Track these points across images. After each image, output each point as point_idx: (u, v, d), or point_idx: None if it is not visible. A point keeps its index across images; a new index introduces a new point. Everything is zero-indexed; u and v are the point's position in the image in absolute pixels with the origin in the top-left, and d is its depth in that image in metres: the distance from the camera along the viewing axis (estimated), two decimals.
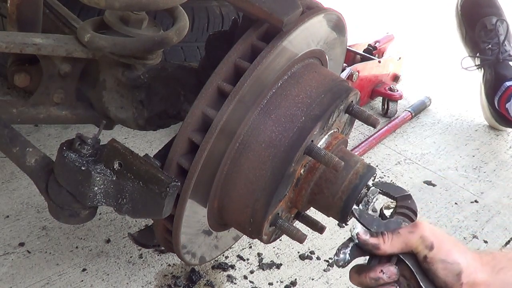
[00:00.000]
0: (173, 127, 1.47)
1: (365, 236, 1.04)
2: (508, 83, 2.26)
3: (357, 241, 1.05)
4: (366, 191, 1.18)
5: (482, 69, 2.39)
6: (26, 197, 1.67)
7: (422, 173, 2.07)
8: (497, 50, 2.33)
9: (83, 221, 1.17)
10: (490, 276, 1.02)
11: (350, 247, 1.06)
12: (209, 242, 1.33)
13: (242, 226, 1.23)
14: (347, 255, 1.06)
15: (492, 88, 2.32)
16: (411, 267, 1.03)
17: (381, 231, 1.05)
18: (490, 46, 2.35)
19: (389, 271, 1.03)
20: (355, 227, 1.05)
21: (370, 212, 1.17)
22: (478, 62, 2.40)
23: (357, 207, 1.15)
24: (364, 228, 1.06)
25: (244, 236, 1.51)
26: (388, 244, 1.03)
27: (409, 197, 1.14)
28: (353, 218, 1.14)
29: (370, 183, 1.20)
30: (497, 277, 1.02)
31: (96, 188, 1.07)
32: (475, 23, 2.42)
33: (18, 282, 1.43)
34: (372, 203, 1.18)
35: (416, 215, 1.12)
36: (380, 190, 1.17)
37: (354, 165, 1.20)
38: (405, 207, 1.12)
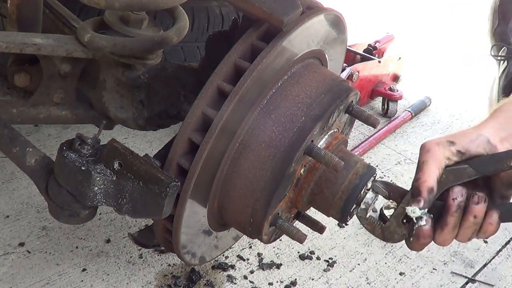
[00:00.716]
0: (173, 127, 1.47)
1: (420, 204, 1.00)
2: None
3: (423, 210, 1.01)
4: (366, 193, 1.18)
5: (506, 62, 2.39)
6: (26, 197, 1.67)
7: None
8: None
9: (83, 221, 1.17)
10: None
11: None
12: (209, 242, 1.33)
13: (242, 226, 1.23)
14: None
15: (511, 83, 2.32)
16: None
17: (414, 179, 1.02)
18: None
19: (455, 193, 1.01)
20: (408, 209, 1.02)
21: (370, 212, 1.17)
22: (503, 53, 2.40)
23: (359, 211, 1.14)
24: (411, 201, 1.02)
25: (244, 236, 1.51)
26: (429, 176, 1.00)
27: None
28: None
29: (369, 184, 1.19)
30: None
31: (96, 188, 1.07)
32: (510, 17, 2.43)
33: (18, 282, 1.43)
34: (372, 204, 1.17)
35: None
36: (380, 188, 1.15)
37: (354, 165, 1.20)
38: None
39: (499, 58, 2.40)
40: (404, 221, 1.07)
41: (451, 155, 1.02)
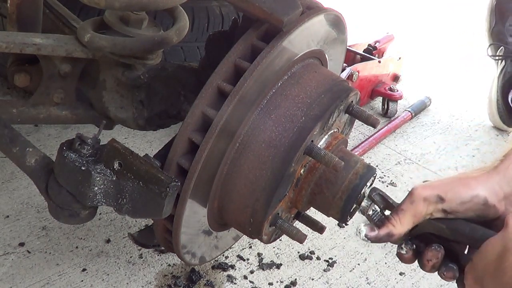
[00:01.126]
0: (173, 127, 1.47)
1: (374, 232, 1.00)
2: None
3: (369, 241, 1.02)
4: (363, 198, 1.17)
5: (503, 61, 2.39)
6: (26, 197, 1.67)
7: (422, 173, 2.07)
8: None
9: (83, 221, 1.17)
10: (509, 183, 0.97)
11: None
12: (209, 242, 1.33)
13: (242, 226, 1.23)
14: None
15: (509, 83, 2.32)
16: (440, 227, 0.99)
17: (385, 216, 1.01)
18: None
19: (429, 256, 0.99)
20: (359, 230, 1.03)
21: (370, 212, 1.16)
22: (501, 53, 2.40)
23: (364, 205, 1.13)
24: (367, 224, 1.03)
25: (244, 236, 1.51)
26: (399, 226, 0.99)
27: None
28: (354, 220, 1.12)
29: (369, 183, 1.19)
30: None
31: (96, 188, 1.07)
32: (507, 17, 2.43)
33: (18, 282, 1.43)
34: (368, 210, 1.16)
35: None
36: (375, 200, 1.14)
37: (354, 165, 1.20)
38: None
39: (496, 58, 2.40)
40: None
41: (435, 211, 0.98)
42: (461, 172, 1.02)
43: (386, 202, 1.11)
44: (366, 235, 1.01)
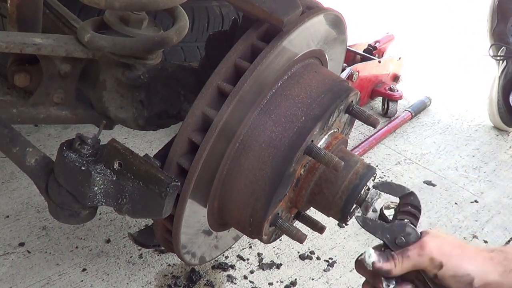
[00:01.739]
0: (173, 127, 1.47)
1: (379, 264, 1.04)
2: None
3: (371, 268, 1.04)
4: (367, 193, 1.18)
5: (505, 62, 2.39)
6: (26, 197, 1.67)
7: (422, 173, 2.07)
8: None
9: (83, 221, 1.17)
10: (501, 276, 1.03)
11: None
12: (209, 242, 1.33)
13: (242, 226, 1.23)
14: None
15: (510, 83, 2.32)
16: (425, 280, 1.05)
17: (391, 254, 1.05)
18: None
19: None
20: (369, 254, 1.05)
21: (370, 212, 1.16)
22: (502, 53, 2.40)
23: (359, 215, 1.13)
24: (377, 253, 1.05)
25: (244, 236, 1.51)
26: (399, 268, 1.04)
27: (411, 194, 1.14)
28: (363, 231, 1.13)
29: (370, 184, 1.19)
30: (509, 277, 1.04)
31: (96, 188, 1.07)
32: (509, 17, 2.43)
33: (18, 282, 1.43)
34: (372, 206, 1.17)
35: (420, 211, 1.12)
36: (381, 191, 1.16)
37: (354, 165, 1.20)
38: (408, 205, 1.12)
39: (498, 58, 2.40)
40: None
41: (430, 272, 1.04)
42: (465, 244, 1.10)
43: (387, 187, 1.14)
44: (373, 262, 1.04)
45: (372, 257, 1.04)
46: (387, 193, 1.15)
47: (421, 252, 1.03)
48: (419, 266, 1.04)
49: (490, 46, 2.42)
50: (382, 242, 1.08)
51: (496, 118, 2.36)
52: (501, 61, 2.40)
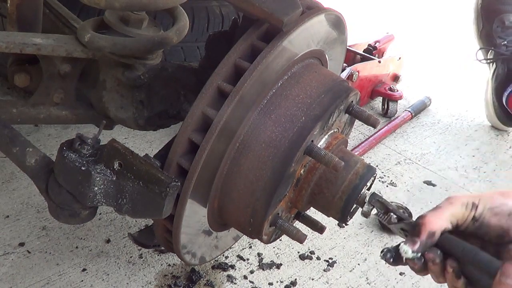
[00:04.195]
0: (173, 127, 1.47)
1: (417, 243, 0.97)
2: None
3: (418, 257, 0.98)
4: (364, 200, 1.17)
5: (494, 64, 2.39)
6: (26, 197, 1.67)
7: (422, 173, 2.07)
8: None
9: (83, 221, 1.17)
10: None
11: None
12: (209, 242, 1.33)
13: (242, 226, 1.23)
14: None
15: (502, 84, 2.32)
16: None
17: (418, 221, 0.98)
18: (506, 42, 2.36)
19: (430, 257, 0.98)
20: (404, 250, 0.97)
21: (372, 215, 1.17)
22: (491, 56, 2.40)
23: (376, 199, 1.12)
24: (406, 241, 0.98)
25: (244, 236, 1.51)
26: (438, 221, 0.97)
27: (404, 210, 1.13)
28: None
29: (366, 196, 1.18)
30: None
31: (96, 188, 1.07)
32: (494, 18, 2.43)
33: (18, 282, 1.43)
34: (369, 214, 1.17)
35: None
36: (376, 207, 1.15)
37: (354, 165, 1.20)
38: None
39: (488, 61, 2.40)
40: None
41: (468, 219, 0.99)
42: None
43: (385, 208, 1.10)
44: (413, 251, 0.97)
45: (407, 250, 0.97)
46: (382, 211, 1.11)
47: (450, 200, 1.00)
48: (456, 214, 0.98)
49: (478, 50, 2.42)
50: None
51: (494, 119, 2.37)
52: (491, 64, 2.40)
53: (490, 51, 2.40)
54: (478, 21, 2.50)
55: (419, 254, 0.98)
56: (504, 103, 2.30)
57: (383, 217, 1.10)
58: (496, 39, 2.40)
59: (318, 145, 1.17)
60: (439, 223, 0.98)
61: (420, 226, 0.98)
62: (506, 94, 2.29)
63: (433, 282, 1.65)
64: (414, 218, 1.08)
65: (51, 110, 1.35)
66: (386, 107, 2.36)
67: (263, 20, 1.12)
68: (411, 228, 1.02)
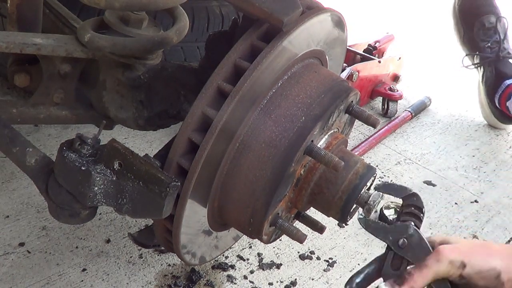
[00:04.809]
0: (173, 127, 1.47)
1: None
2: (508, 82, 2.27)
3: None
4: (368, 194, 1.17)
5: (482, 67, 2.39)
6: (26, 197, 1.67)
7: (422, 173, 2.07)
8: (496, 48, 2.33)
9: (83, 221, 1.17)
10: None
11: None
12: (209, 242, 1.33)
13: (242, 226, 1.23)
14: None
15: (492, 86, 2.32)
16: None
17: (408, 272, 1.01)
18: (489, 44, 2.35)
19: None
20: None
21: (371, 213, 1.16)
22: (477, 60, 2.40)
23: (362, 216, 1.11)
24: (389, 282, 1.01)
25: (244, 236, 1.51)
26: (421, 280, 0.99)
27: (414, 195, 1.12)
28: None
29: (369, 184, 1.19)
30: None
31: (96, 188, 1.07)
32: (473, 22, 2.42)
33: (18, 282, 1.43)
34: (374, 209, 1.17)
35: (423, 212, 1.10)
36: (383, 193, 1.15)
37: (354, 165, 1.20)
38: (411, 206, 1.10)
39: (475, 66, 2.40)
40: None
41: (454, 275, 1.00)
42: (485, 241, 1.06)
43: (389, 188, 1.12)
44: None
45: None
46: (389, 194, 1.13)
47: (438, 257, 1.00)
48: (440, 273, 1.00)
49: (463, 58, 2.41)
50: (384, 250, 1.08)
51: (492, 119, 2.37)
52: (478, 68, 2.40)
53: (476, 55, 2.40)
54: (459, 27, 2.50)
55: None
56: (497, 105, 2.30)
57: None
58: (479, 42, 2.39)
59: (318, 145, 1.17)
60: (422, 283, 1.00)
61: (405, 279, 1.00)
62: (497, 96, 2.30)
63: None
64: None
65: (51, 110, 1.35)
66: (386, 107, 2.36)
67: (263, 20, 1.12)
68: (390, 249, 1.05)
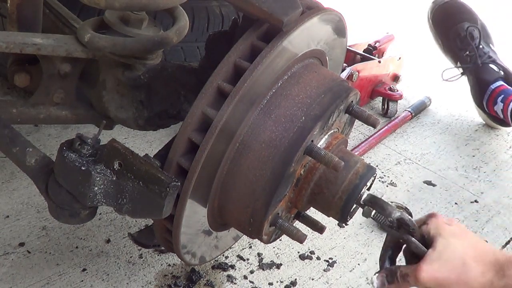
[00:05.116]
0: (173, 127, 1.47)
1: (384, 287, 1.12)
2: (492, 86, 2.28)
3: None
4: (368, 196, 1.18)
5: (466, 76, 2.40)
6: (26, 197, 1.67)
7: (422, 173, 2.07)
8: (474, 55, 2.33)
9: (83, 221, 1.17)
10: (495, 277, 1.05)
11: None
12: (209, 242, 1.33)
13: (242, 226, 1.23)
14: None
15: (479, 93, 2.34)
16: None
17: (400, 274, 1.12)
18: (467, 52, 2.35)
19: None
20: (372, 280, 1.14)
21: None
22: (460, 70, 2.40)
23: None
24: (377, 273, 1.14)
25: (244, 236, 1.51)
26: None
27: (402, 214, 1.16)
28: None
29: (369, 183, 1.20)
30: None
31: (96, 188, 1.07)
32: (448, 32, 2.42)
33: (18, 282, 1.43)
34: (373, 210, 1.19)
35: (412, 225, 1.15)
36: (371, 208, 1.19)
37: (354, 165, 1.20)
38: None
39: (460, 75, 2.39)
40: None
41: None
42: (467, 255, 1.09)
43: (377, 205, 1.17)
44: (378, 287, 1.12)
45: (374, 282, 1.14)
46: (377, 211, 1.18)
47: (416, 282, 1.08)
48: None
49: (443, 72, 2.39)
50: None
51: (489, 121, 2.37)
52: (463, 76, 2.40)
53: (458, 66, 2.40)
54: (437, 39, 2.51)
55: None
56: (487, 110, 2.31)
57: (379, 218, 1.14)
58: (458, 52, 2.39)
59: (318, 145, 1.17)
60: None
61: (393, 281, 1.12)
62: (485, 102, 2.31)
63: None
64: (414, 218, 1.17)
65: (51, 110, 1.35)
66: (386, 107, 2.36)
67: (263, 20, 1.12)
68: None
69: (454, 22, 2.41)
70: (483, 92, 2.30)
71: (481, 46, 2.34)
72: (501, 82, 2.27)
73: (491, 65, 2.32)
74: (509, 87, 2.26)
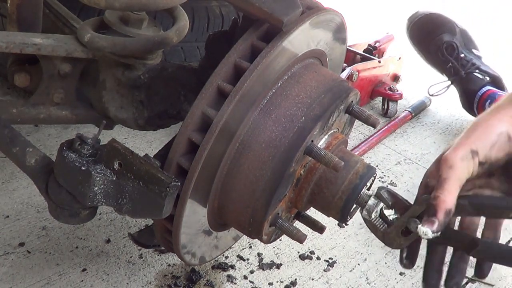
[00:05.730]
0: (173, 127, 1.47)
1: (435, 223, 0.92)
2: (479, 93, 2.29)
3: (437, 235, 0.94)
4: (369, 197, 1.17)
5: (452, 85, 2.41)
6: (26, 197, 1.67)
7: (422, 173, 2.04)
8: (457, 66, 2.34)
9: (83, 221, 1.17)
10: None
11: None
12: (209, 242, 1.33)
13: (242, 226, 1.23)
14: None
15: (467, 101, 2.36)
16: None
17: (432, 198, 0.94)
18: (450, 64, 2.37)
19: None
20: (424, 232, 0.95)
21: (374, 214, 1.17)
22: (448, 83, 2.41)
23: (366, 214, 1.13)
24: (425, 220, 0.95)
25: (244, 236, 1.51)
26: (449, 195, 0.91)
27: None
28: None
29: (369, 184, 1.19)
30: None
31: (96, 188, 1.07)
32: (428, 47, 2.44)
33: (18, 282, 1.43)
34: (375, 209, 1.17)
35: None
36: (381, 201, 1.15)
37: (354, 165, 1.20)
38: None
39: (445, 89, 2.40)
40: (404, 230, 1.07)
41: (474, 168, 0.95)
42: (478, 118, 0.99)
43: (394, 198, 1.10)
44: (433, 231, 0.93)
45: (426, 232, 0.94)
46: (390, 202, 1.12)
47: (449, 164, 0.94)
48: (462, 175, 0.93)
49: (429, 87, 2.41)
50: None
51: None
52: (452, 85, 2.41)
53: (444, 78, 2.41)
54: (420, 53, 2.52)
55: (439, 233, 0.95)
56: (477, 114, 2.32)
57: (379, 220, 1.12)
58: (441, 64, 2.40)
59: (318, 145, 1.17)
60: (451, 198, 0.93)
61: (435, 206, 0.94)
62: (475, 109, 2.34)
63: None
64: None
65: (51, 110, 1.35)
66: (386, 107, 2.36)
67: (263, 20, 1.12)
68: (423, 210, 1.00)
69: (432, 37, 2.42)
70: (471, 100, 2.33)
71: (462, 55, 2.35)
72: (487, 87, 2.29)
73: (475, 73, 2.34)
74: (495, 89, 2.28)
